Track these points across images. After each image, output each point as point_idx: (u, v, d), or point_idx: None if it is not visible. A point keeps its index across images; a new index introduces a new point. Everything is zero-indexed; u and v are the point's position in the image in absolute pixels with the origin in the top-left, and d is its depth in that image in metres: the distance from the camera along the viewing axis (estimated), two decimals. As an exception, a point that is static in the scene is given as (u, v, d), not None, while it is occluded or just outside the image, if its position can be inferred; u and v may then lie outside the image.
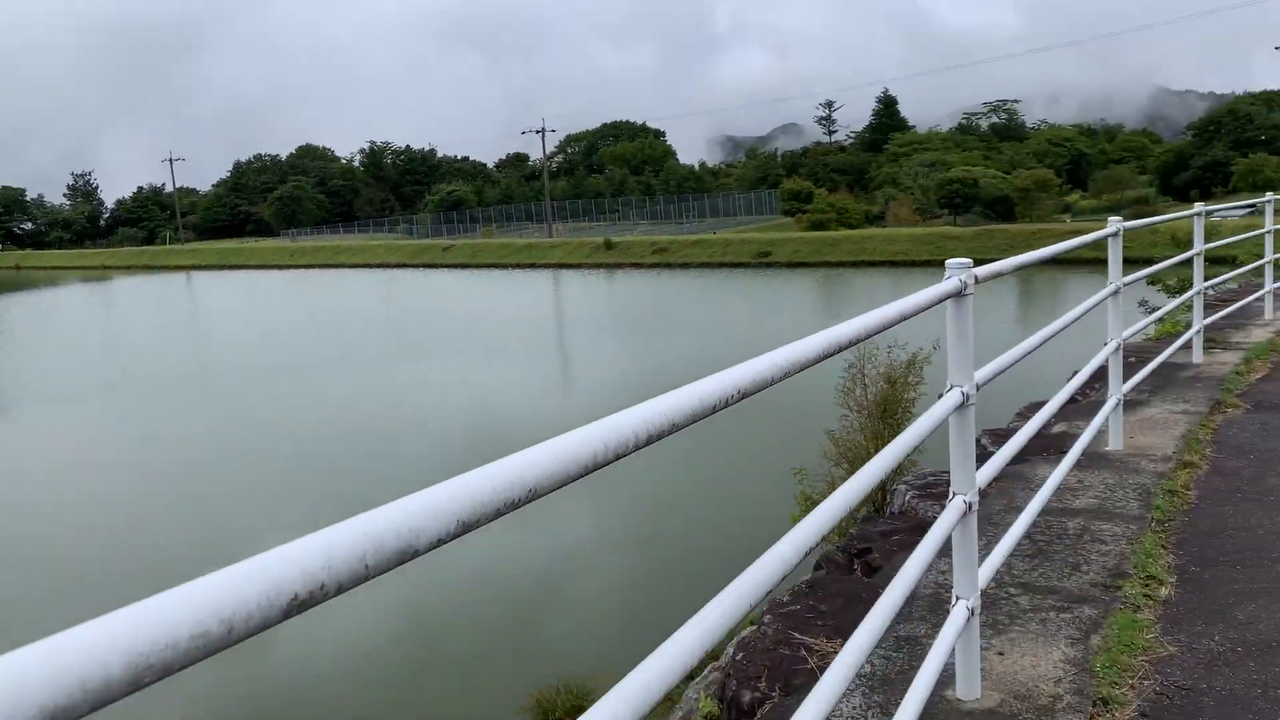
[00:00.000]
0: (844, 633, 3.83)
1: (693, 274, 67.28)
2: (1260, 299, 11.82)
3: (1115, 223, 5.96)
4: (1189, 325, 9.80)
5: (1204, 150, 75.51)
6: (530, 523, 15.54)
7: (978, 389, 3.21)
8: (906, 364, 11.25)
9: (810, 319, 40.16)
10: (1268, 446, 6.26)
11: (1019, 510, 4.42)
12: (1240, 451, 6.17)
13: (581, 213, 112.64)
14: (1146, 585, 4.16)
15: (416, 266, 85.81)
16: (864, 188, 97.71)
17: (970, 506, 3.14)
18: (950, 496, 3.18)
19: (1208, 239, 10.72)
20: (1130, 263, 6.89)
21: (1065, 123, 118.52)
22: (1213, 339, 9.99)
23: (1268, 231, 11.52)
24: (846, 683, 2.41)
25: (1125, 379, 6.98)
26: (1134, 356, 9.21)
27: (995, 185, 72.34)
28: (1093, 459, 6.05)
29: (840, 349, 2.27)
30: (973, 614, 3.18)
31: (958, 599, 3.20)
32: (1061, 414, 7.40)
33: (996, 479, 5.84)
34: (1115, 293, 5.99)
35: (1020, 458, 6.13)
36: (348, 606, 13.22)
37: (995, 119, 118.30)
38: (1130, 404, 7.44)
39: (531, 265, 78.16)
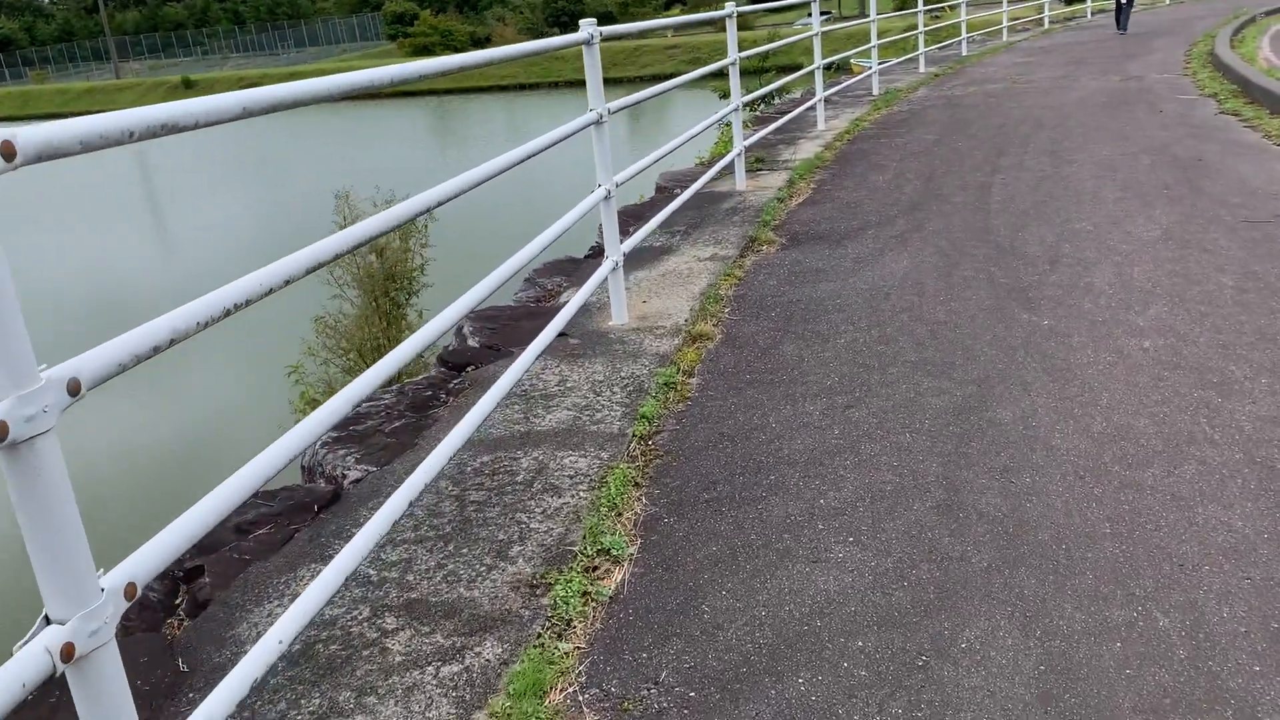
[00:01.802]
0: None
1: (290, 111, 61.34)
2: (813, 108, 11.25)
3: (588, 25, 4.42)
4: (765, 145, 8.76)
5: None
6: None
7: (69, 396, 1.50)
8: (400, 233, 9.51)
9: (422, 151, 37.48)
10: (792, 297, 5.26)
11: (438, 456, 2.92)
12: (761, 309, 5.11)
13: (161, 48, 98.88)
14: (592, 573, 2.83)
15: (-53, 124, 71.53)
16: (473, 8, 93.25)
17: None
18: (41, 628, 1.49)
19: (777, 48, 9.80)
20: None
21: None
22: (761, 159, 9.16)
23: (815, 35, 10.82)
24: None
25: (645, 223, 5.71)
26: (680, 187, 8.12)
27: (600, 1, 71.35)
28: (591, 342, 4.72)
29: None
30: None
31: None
32: (580, 275, 6.08)
33: (466, 386, 4.36)
34: (598, 121, 4.53)
35: (507, 351, 4.69)
36: None
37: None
38: (656, 252, 6.25)
39: (97, 112, 67.43)
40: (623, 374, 4.26)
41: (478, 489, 3.33)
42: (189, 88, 65.74)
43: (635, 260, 6.04)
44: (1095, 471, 3.21)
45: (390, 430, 3.84)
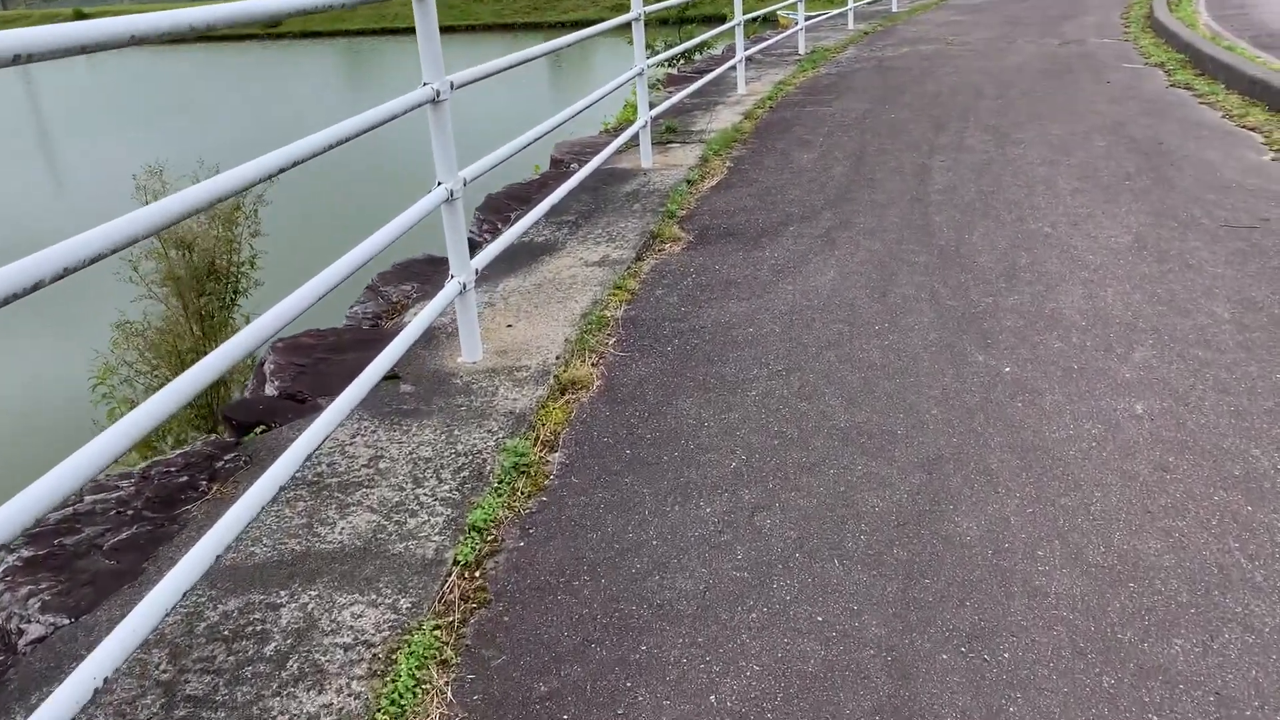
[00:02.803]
0: None
1: (192, 50, 58.23)
2: (734, 68, 10.15)
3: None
4: (679, 111, 7.44)
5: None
6: None
7: None
8: (222, 219, 8.09)
9: (332, 95, 35.46)
10: (695, 322, 4.20)
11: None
12: (656, 339, 4.05)
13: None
14: None
15: None
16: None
17: None
18: None
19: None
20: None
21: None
22: (673, 128, 8.05)
23: (737, -14, 9.67)
24: None
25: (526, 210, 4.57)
26: (578, 162, 6.98)
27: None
28: (428, 389, 3.61)
29: None
30: None
31: None
32: (439, 282, 4.95)
33: (242, 463, 3.23)
34: (434, 100, 3.39)
35: (314, 402, 3.58)
36: None
37: None
38: (536, 251, 5.14)
39: (-21, 46, 63.08)
40: (459, 447, 3.17)
41: (202, 670, 2.23)
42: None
43: (508, 263, 4.93)
44: (1100, 641, 2.25)
45: (112, 545, 2.70)
